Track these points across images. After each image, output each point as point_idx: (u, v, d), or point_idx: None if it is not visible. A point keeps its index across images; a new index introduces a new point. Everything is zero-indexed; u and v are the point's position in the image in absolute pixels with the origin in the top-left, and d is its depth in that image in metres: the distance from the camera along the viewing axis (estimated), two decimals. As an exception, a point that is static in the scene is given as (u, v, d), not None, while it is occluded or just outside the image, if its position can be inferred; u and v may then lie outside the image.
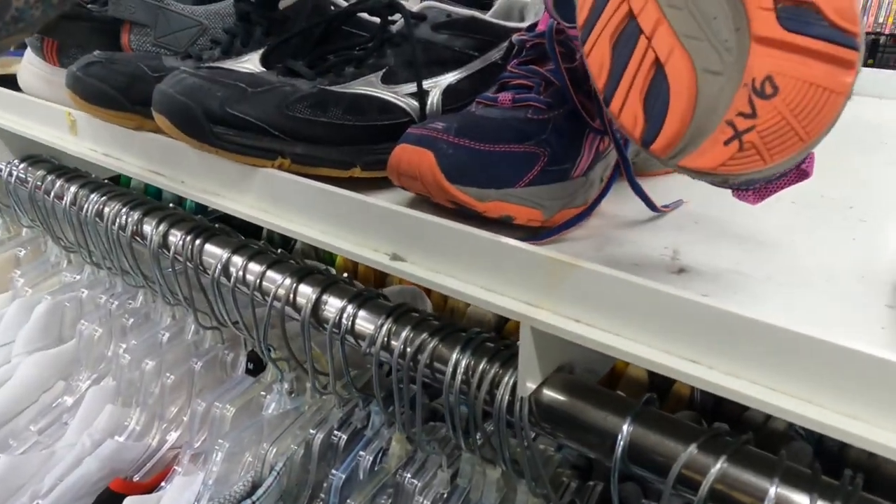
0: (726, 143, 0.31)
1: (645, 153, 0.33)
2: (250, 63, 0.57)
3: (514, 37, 0.51)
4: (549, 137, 0.44)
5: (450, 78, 0.55)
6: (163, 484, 0.63)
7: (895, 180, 0.60)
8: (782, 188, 0.35)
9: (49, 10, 0.41)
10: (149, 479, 0.64)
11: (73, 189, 0.70)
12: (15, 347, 0.77)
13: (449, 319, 0.48)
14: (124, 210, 0.64)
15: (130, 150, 0.62)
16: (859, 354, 0.28)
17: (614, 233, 0.45)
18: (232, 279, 0.54)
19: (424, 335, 0.44)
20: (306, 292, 0.50)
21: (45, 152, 0.79)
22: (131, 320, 0.73)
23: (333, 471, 0.54)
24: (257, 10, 0.62)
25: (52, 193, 0.72)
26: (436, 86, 0.54)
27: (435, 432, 0.52)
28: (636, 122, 0.33)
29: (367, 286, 0.52)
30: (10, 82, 0.78)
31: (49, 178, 0.73)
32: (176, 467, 0.63)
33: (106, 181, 0.72)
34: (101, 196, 0.67)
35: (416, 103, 0.53)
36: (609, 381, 0.65)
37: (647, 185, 0.56)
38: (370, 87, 0.52)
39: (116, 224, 0.64)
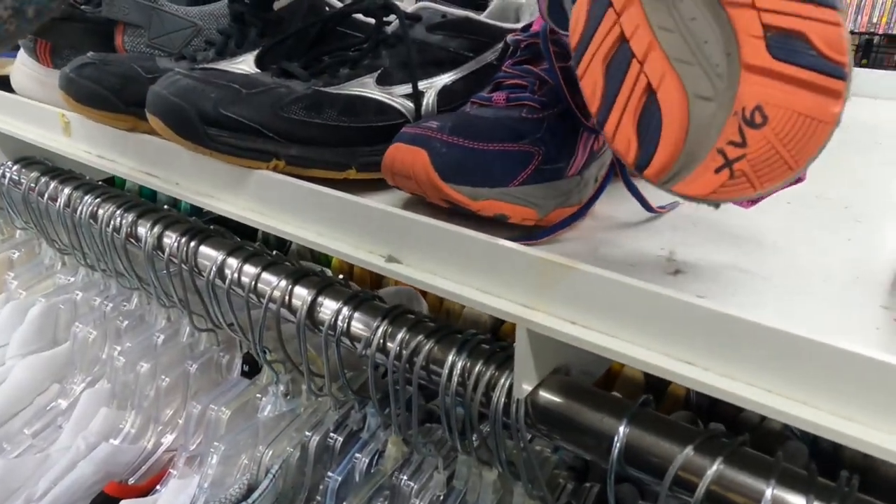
0: (717, 170, 0.31)
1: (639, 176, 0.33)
2: (245, 64, 0.56)
3: (509, 37, 0.51)
4: (544, 136, 0.44)
5: (445, 79, 0.55)
6: (158, 487, 0.62)
7: (890, 180, 0.60)
8: (775, 192, 0.36)
9: (24, 26, 0.41)
10: (144, 483, 0.64)
11: (66, 191, 0.70)
12: (9, 350, 0.76)
13: (445, 321, 0.48)
14: (119, 212, 0.63)
15: (124, 152, 0.62)
16: (855, 356, 0.28)
17: (610, 234, 0.45)
18: (227, 281, 0.54)
19: (420, 337, 0.44)
20: (302, 294, 0.50)
21: (38, 154, 0.79)
22: (126, 322, 0.73)
23: (329, 473, 0.54)
24: (252, 11, 0.62)
25: (46, 195, 0.72)
26: (431, 87, 0.54)
27: (431, 434, 0.52)
28: (629, 147, 0.33)
29: (363, 287, 0.52)
30: (4, 84, 0.77)
31: (43, 179, 0.73)
32: (171, 470, 0.63)
33: (100, 183, 0.72)
34: (96, 198, 0.67)
35: (411, 104, 0.53)
36: (605, 382, 0.65)
37: (643, 185, 0.56)
38: (365, 88, 0.52)
39: (111, 226, 0.63)
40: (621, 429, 0.35)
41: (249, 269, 0.53)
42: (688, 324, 0.32)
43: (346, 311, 0.48)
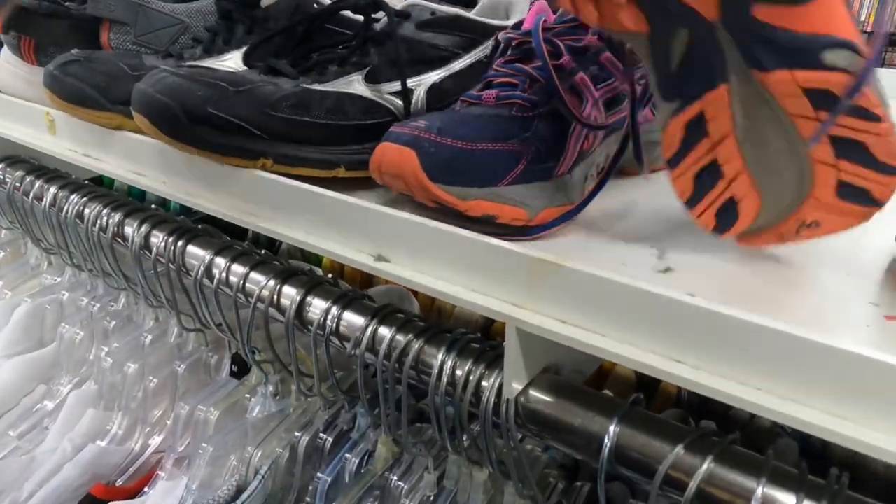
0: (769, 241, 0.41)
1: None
2: (232, 62, 0.56)
3: (500, 35, 0.50)
4: (533, 136, 0.44)
5: (434, 77, 0.55)
6: (146, 489, 0.62)
7: None
8: None
9: None
10: (131, 484, 0.64)
11: (52, 190, 0.69)
12: (-6, 351, 0.75)
13: (436, 320, 0.47)
14: (105, 211, 0.63)
15: (110, 151, 0.61)
16: (845, 353, 0.28)
17: (600, 232, 0.45)
18: (215, 281, 0.53)
19: (409, 336, 0.43)
20: (290, 294, 0.49)
21: (23, 153, 0.78)
22: (113, 323, 0.72)
23: (319, 474, 0.53)
24: (239, 8, 0.61)
25: (32, 194, 0.71)
26: (420, 85, 0.54)
27: (421, 434, 0.51)
28: (708, 226, 0.40)
29: (353, 286, 0.52)
30: (-12, 81, 0.76)
31: (28, 178, 0.72)
32: (159, 472, 0.62)
33: (86, 182, 0.71)
34: (82, 197, 0.66)
35: (400, 102, 0.52)
36: (596, 380, 0.64)
37: (633, 184, 0.55)
38: (353, 86, 0.52)
39: (97, 226, 0.63)
40: (611, 428, 0.35)
41: (237, 269, 0.53)
42: (678, 322, 0.32)
43: (335, 310, 0.47)
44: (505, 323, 0.37)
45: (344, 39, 0.56)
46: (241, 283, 0.52)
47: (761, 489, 0.31)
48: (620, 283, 0.33)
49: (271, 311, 0.50)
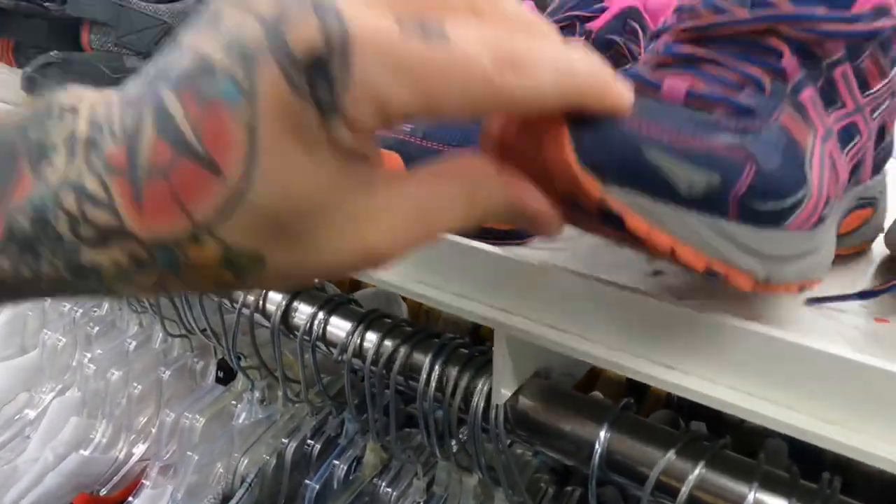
0: None
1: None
2: (215, 63, 0.55)
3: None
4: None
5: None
6: (130, 498, 0.61)
7: None
8: None
9: None
10: (116, 494, 0.63)
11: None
12: (-26, 359, 0.74)
13: (424, 323, 0.47)
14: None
15: (91, 154, 0.60)
16: (836, 358, 0.28)
17: (589, 236, 0.44)
18: (199, 286, 0.52)
19: (397, 342, 0.43)
20: (276, 299, 0.49)
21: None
22: (96, 329, 0.71)
23: (307, 481, 0.53)
24: (222, 8, 0.60)
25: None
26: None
27: (410, 440, 0.51)
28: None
29: (341, 290, 0.51)
30: (-35, 84, 0.75)
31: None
32: (144, 480, 0.61)
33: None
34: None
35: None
36: (587, 381, 0.64)
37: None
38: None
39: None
40: (602, 434, 0.35)
41: (222, 274, 0.52)
42: (669, 327, 0.31)
43: (321, 315, 0.46)
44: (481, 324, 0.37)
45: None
46: (226, 288, 0.51)
47: (753, 494, 0.31)
48: (610, 287, 0.33)
49: (257, 316, 0.49)
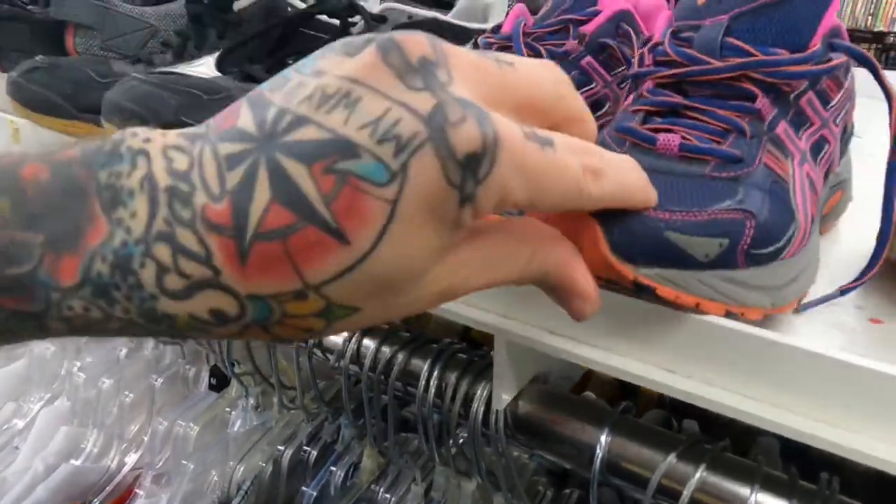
0: None
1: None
2: (205, 67, 0.54)
3: (480, 39, 0.50)
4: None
5: (413, 81, 0.54)
6: (124, 508, 0.60)
7: (861, 176, 0.60)
8: None
9: None
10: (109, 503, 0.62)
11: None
12: (-41, 369, 0.73)
13: (415, 326, 0.47)
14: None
15: (79, 160, 0.59)
16: (831, 360, 0.28)
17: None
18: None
19: (395, 348, 0.43)
20: (271, 306, 0.48)
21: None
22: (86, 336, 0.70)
23: (304, 488, 0.53)
24: (210, 11, 0.60)
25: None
26: (399, 89, 0.53)
27: (407, 444, 0.51)
28: None
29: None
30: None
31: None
32: (137, 490, 0.61)
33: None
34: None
35: (379, 108, 0.52)
36: (579, 382, 0.64)
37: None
38: (332, 92, 0.50)
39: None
40: (603, 438, 0.35)
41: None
42: (666, 330, 0.32)
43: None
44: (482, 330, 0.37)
45: (320, 44, 0.55)
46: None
47: (754, 496, 0.31)
48: (609, 291, 0.33)
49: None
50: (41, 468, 0.62)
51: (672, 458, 0.33)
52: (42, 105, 0.56)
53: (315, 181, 0.18)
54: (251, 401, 0.58)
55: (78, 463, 0.63)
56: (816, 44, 0.33)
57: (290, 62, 0.54)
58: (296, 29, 0.57)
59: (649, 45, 0.36)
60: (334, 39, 0.57)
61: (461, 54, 0.21)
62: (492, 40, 0.48)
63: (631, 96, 0.37)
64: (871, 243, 0.38)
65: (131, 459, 0.64)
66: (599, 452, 0.35)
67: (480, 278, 0.23)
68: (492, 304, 0.37)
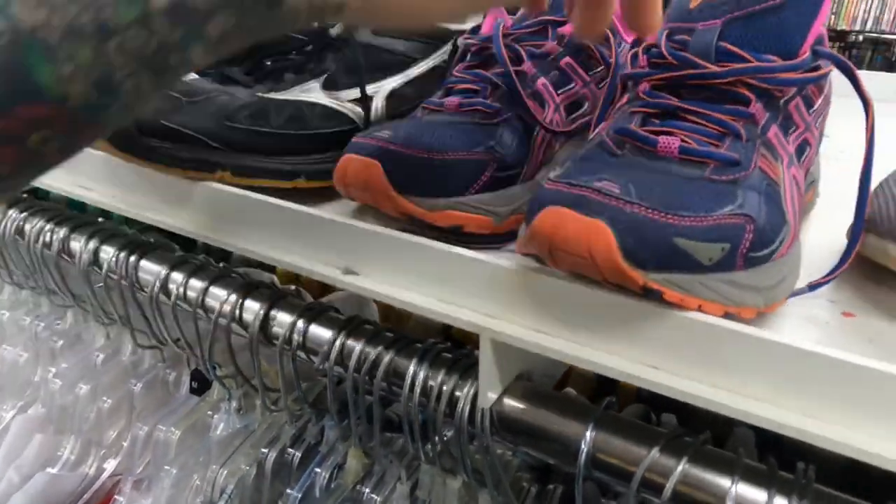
0: None
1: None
2: (182, 69, 0.54)
3: (460, 40, 0.50)
4: (498, 143, 0.44)
5: (392, 83, 0.54)
6: (104, 515, 0.59)
7: (834, 174, 0.60)
8: None
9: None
10: (88, 511, 0.61)
11: (-12, 205, 0.65)
12: (-72, 377, 0.71)
13: (395, 325, 0.47)
14: (48, 227, 0.60)
15: (53, 163, 0.58)
16: (805, 352, 0.29)
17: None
18: (172, 297, 0.51)
19: (380, 349, 0.43)
20: (253, 308, 0.48)
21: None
22: (61, 342, 0.68)
23: (288, 490, 0.52)
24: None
25: (-36, 210, 0.67)
26: (379, 91, 0.53)
27: (392, 444, 0.51)
28: None
29: (311, 292, 0.50)
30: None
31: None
32: (117, 496, 0.60)
33: (23, 195, 0.68)
34: (21, 212, 0.62)
35: (360, 110, 0.52)
36: (561, 378, 0.65)
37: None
38: (311, 93, 0.51)
39: (40, 242, 0.59)
40: (588, 433, 0.36)
41: (195, 284, 0.51)
42: (652, 328, 0.32)
43: (300, 324, 0.46)
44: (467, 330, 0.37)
45: (298, 45, 0.55)
46: (200, 298, 0.50)
47: (735, 487, 0.32)
48: (593, 290, 0.33)
49: (234, 327, 0.49)
50: (16, 478, 0.61)
51: (655, 451, 0.34)
52: (13, 107, 0.55)
53: None
54: (233, 404, 0.58)
55: (55, 471, 0.62)
56: (806, 51, 0.34)
57: (269, 64, 0.53)
58: (274, 30, 0.57)
59: (643, 45, 0.37)
60: (313, 41, 0.57)
61: None
62: (471, 41, 0.48)
63: (626, 96, 0.38)
64: (836, 239, 0.39)
65: (110, 466, 0.63)
66: (585, 448, 0.35)
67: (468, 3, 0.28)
68: (477, 304, 0.38)
